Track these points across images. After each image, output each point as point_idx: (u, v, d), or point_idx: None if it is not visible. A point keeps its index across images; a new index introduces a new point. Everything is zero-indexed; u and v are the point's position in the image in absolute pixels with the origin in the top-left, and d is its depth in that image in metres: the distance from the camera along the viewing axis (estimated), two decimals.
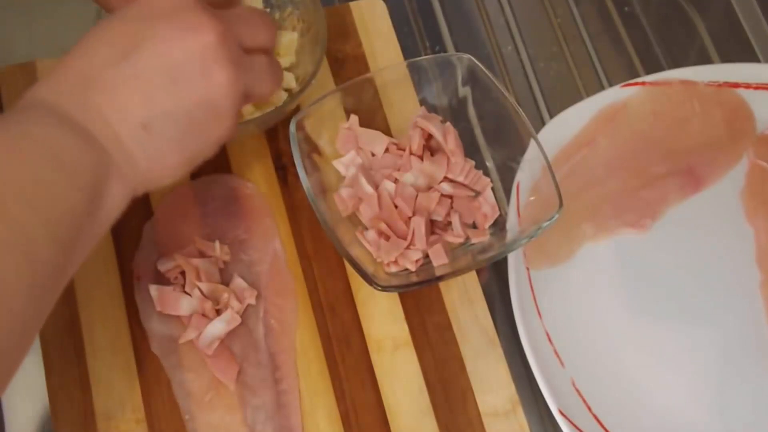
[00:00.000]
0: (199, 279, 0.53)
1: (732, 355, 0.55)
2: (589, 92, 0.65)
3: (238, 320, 0.53)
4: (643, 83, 0.62)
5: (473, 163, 0.57)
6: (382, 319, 0.55)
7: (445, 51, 0.66)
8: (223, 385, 0.51)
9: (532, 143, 0.54)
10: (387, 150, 0.57)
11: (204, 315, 0.52)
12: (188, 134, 0.42)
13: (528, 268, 0.56)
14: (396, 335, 0.54)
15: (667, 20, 0.69)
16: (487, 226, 0.56)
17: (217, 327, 0.52)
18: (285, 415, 0.51)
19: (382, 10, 0.64)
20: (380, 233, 0.54)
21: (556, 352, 0.54)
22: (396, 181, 0.56)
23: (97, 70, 0.40)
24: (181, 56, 0.41)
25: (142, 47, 0.41)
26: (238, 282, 0.54)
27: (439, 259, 0.53)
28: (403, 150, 0.57)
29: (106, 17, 0.44)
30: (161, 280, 0.54)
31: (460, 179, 0.56)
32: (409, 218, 0.54)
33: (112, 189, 0.40)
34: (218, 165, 0.58)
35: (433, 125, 0.56)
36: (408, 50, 0.64)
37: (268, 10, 0.60)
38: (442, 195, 0.56)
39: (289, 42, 0.58)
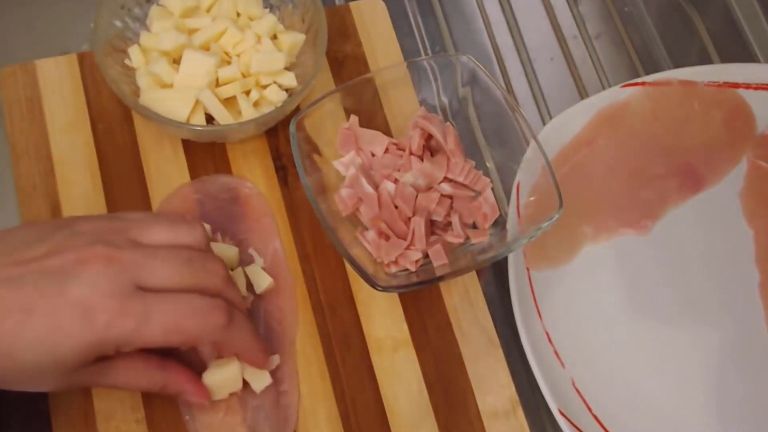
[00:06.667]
0: None
1: (731, 355, 0.55)
2: (589, 92, 0.65)
3: None
4: (643, 83, 0.62)
5: (473, 163, 0.57)
6: (382, 320, 0.55)
7: (445, 51, 0.66)
8: None
9: (532, 143, 0.54)
10: (387, 150, 0.57)
11: None
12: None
13: (528, 269, 0.56)
14: (396, 335, 0.54)
15: (667, 20, 0.69)
16: (487, 226, 0.55)
17: None
18: (285, 416, 0.51)
19: (382, 10, 0.64)
20: (380, 233, 0.54)
21: (556, 352, 0.54)
22: (396, 181, 0.56)
23: None
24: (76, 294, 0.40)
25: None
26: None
27: (439, 260, 0.53)
28: (403, 150, 0.57)
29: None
30: None
31: (460, 179, 0.56)
32: (409, 218, 0.54)
33: None
34: (218, 165, 0.58)
35: (433, 125, 0.56)
36: (408, 50, 0.64)
37: (267, 9, 0.60)
38: (442, 195, 0.56)
39: (294, 42, 0.58)
